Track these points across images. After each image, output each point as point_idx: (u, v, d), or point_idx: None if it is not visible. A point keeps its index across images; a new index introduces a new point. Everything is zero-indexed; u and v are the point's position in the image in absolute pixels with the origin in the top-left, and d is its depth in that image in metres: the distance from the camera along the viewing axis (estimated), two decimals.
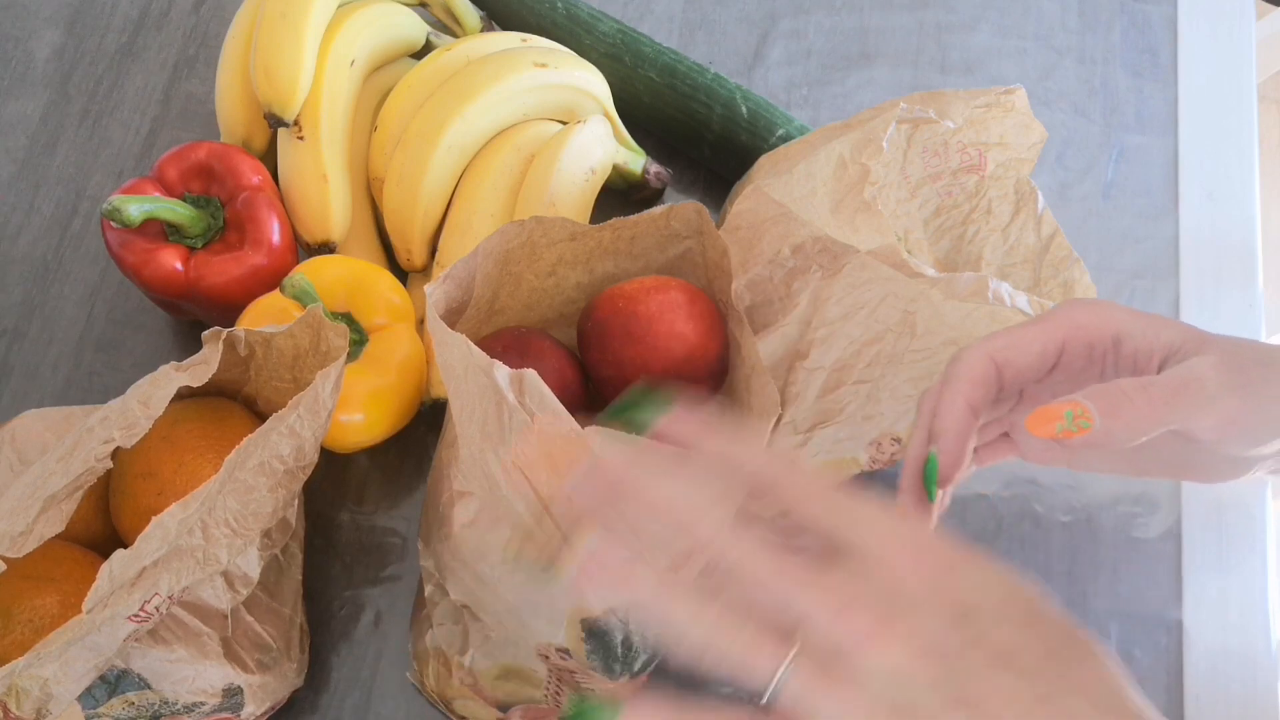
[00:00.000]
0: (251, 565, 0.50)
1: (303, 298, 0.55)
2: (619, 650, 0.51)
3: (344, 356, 0.49)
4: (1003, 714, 0.31)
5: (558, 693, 0.54)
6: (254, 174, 0.61)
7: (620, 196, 0.70)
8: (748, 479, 0.33)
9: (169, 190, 0.61)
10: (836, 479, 0.34)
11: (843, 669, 0.32)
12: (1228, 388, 0.42)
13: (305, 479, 0.50)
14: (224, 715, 0.52)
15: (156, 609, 0.45)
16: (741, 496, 0.33)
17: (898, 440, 0.57)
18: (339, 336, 0.50)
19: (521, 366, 0.44)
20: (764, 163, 0.60)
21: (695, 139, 0.69)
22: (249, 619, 0.52)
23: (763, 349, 0.56)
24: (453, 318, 0.54)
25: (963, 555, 0.34)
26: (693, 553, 0.33)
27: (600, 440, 0.32)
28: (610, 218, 0.55)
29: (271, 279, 0.60)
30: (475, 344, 0.45)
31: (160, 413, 0.46)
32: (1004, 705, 0.31)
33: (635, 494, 0.33)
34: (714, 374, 0.55)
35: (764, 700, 0.34)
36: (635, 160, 0.68)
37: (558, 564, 0.33)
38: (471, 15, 0.71)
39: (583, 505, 0.34)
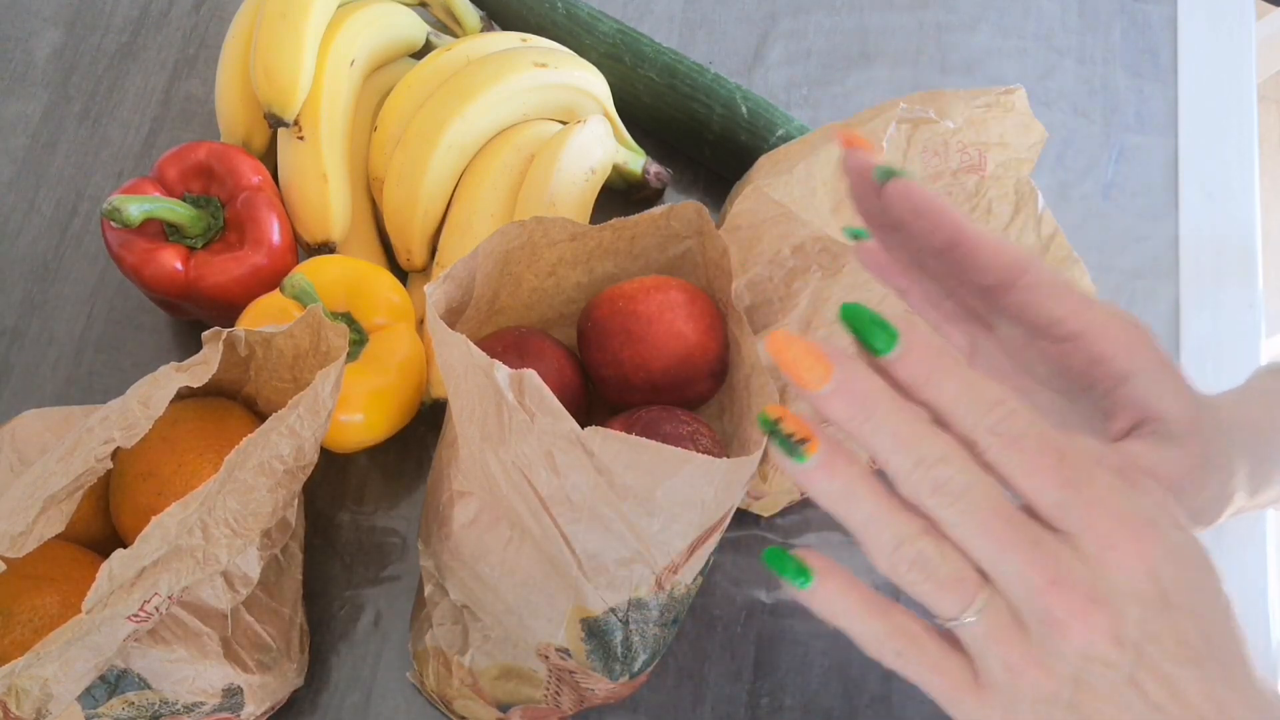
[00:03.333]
0: (251, 565, 0.50)
1: (303, 298, 0.55)
2: (619, 650, 0.51)
3: (344, 356, 0.49)
4: (1168, 704, 0.33)
5: (557, 693, 0.54)
6: (254, 174, 0.61)
7: (620, 196, 0.70)
8: (991, 425, 0.33)
9: (169, 190, 0.61)
10: (1079, 444, 0.34)
11: (1036, 637, 0.33)
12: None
13: (305, 479, 0.50)
14: (224, 715, 0.52)
15: (156, 609, 0.45)
16: (984, 437, 0.33)
17: None
18: (339, 336, 0.50)
19: (521, 366, 0.44)
20: (764, 163, 0.60)
21: (695, 139, 0.69)
22: (249, 619, 0.52)
23: (763, 349, 0.56)
24: (453, 318, 0.54)
25: (1174, 542, 0.34)
26: (921, 477, 0.33)
27: (846, 363, 0.33)
28: (610, 218, 0.55)
29: (271, 279, 0.60)
30: (475, 344, 0.45)
31: (160, 413, 0.46)
32: (1171, 696, 0.33)
33: (882, 417, 0.33)
34: (714, 374, 0.55)
35: (945, 628, 0.35)
36: (635, 160, 0.68)
37: (807, 449, 0.33)
38: (471, 15, 0.71)
39: (829, 413, 0.34)
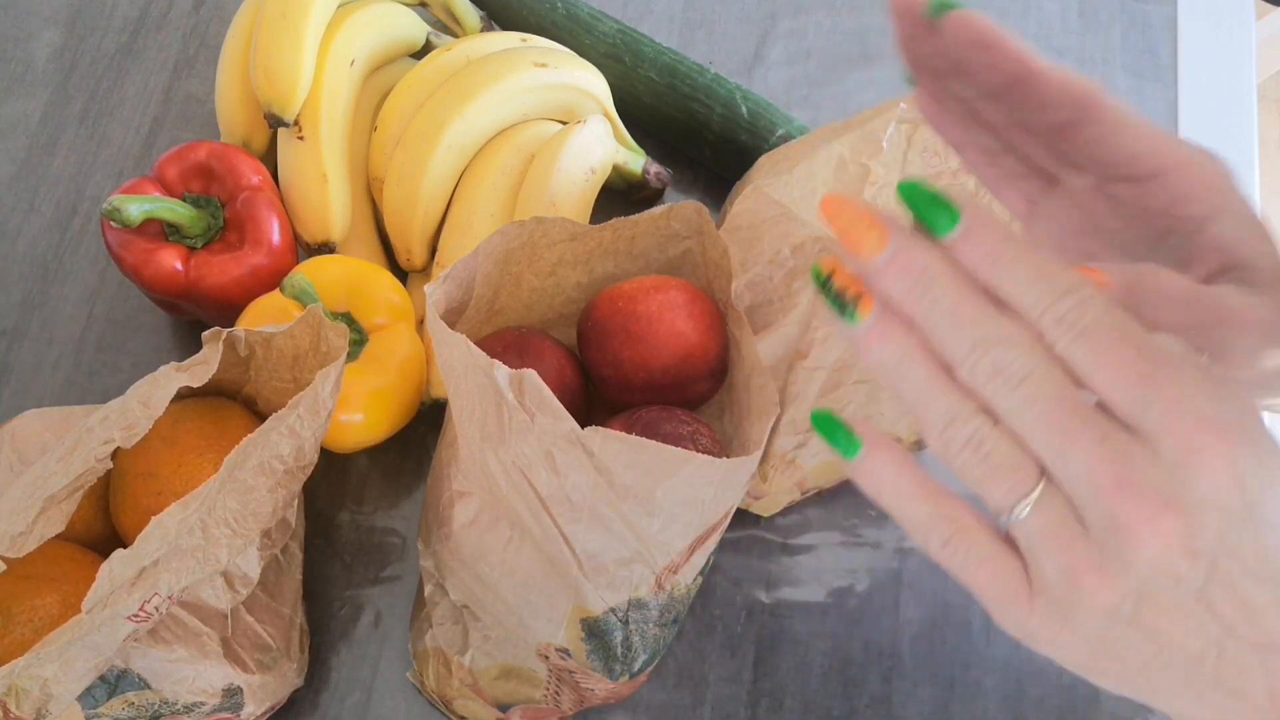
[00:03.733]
0: (251, 565, 0.50)
1: (303, 298, 0.55)
2: (619, 650, 0.51)
3: (344, 356, 0.49)
4: (1240, 625, 0.31)
5: (557, 693, 0.54)
6: (254, 174, 0.61)
7: (620, 196, 0.70)
8: (1062, 313, 0.29)
9: (169, 190, 0.61)
10: (1162, 340, 0.30)
11: (1098, 541, 0.30)
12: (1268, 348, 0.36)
13: (305, 479, 0.50)
14: (224, 715, 0.52)
15: (156, 609, 0.45)
16: (1053, 327, 0.29)
17: (898, 440, 0.57)
18: (339, 336, 0.50)
19: (521, 366, 0.44)
20: (764, 163, 0.60)
21: (695, 139, 0.69)
22: (249, 619, 0.52)
23: (763, 349, 0.56)
24: (453, 318, 0.54)
25: (1264, 451, 0.30)
26: (980, 358, 0.30)
27: (904, 233, 0.30)
28: (610, 218, 0.55)
29: (271, 279, 0.60)
30: (475, 344, 0.45)
31: (160, 413, 0.46)
32: (1244, 615, 0.31)
33: (941, 291, 0.30)
34: (714, 374, 0.55)
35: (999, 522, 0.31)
36: (635, 160, 0.68)
37: (860, 307, 0.31)
38: (471, 15, 0.71)
39: (883, 286, 0.31)
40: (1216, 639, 0.31)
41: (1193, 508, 0.29)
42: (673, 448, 0.44)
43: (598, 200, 0.64)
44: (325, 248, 0.64)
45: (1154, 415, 0.29)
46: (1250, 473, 0.30)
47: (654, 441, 0.44)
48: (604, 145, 0.64)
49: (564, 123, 0.65)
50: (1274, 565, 0.31)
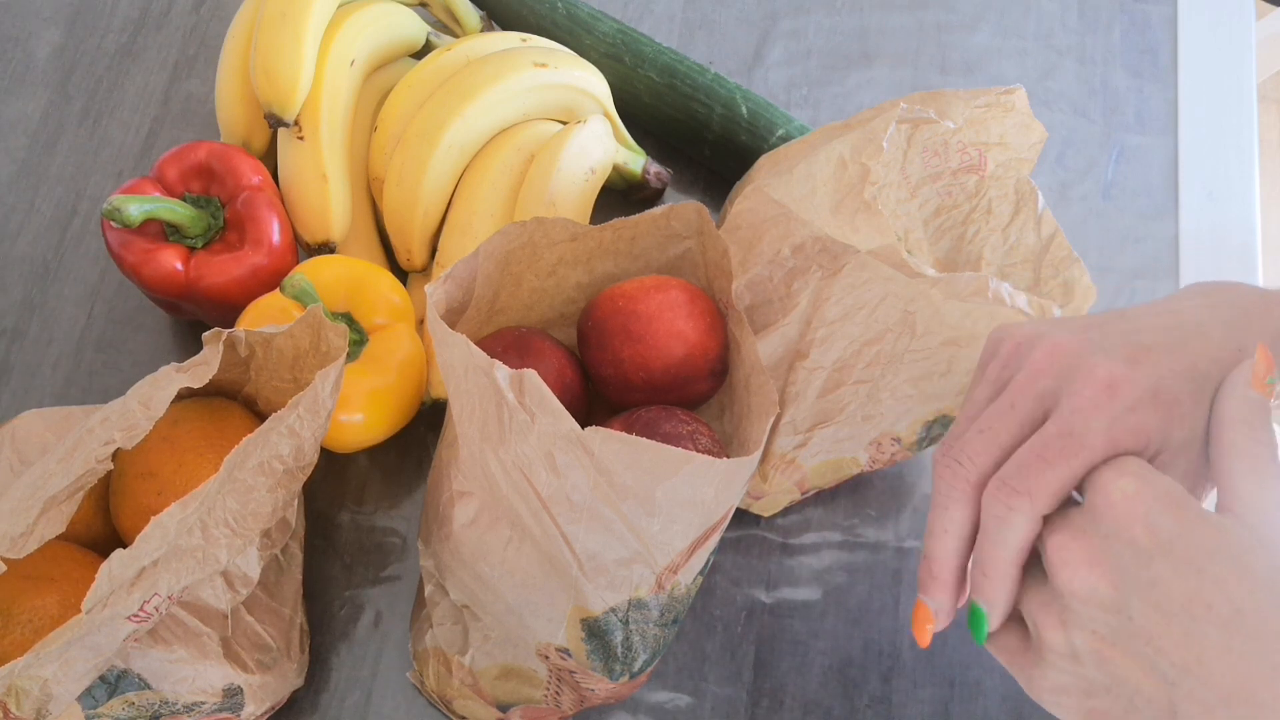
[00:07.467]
0: (251, 565, 0.50)
1: (303, 298, 0.55)
2: (619, 650, 0.51)
3: (344, 356, 0.49)
4: (1193, 667, 0.34)
5: (558, 693, 0.54)
6: (254, 174, 0.61)
7: (620, 196, 0.70)
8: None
9: (169, 190, 0.61)
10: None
11: (1051, 588, 0.38)
12: None
13: (305, 479, 0.50)
14: (224, 715, 0.52)
15: (156, 609, 0.45)
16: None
17: (897, 440, 0.57)
18: (339, 336, 0.50)
19: (521, 366, 0.44)
20: (764, 163, 0.60)
21: (695, 139, 0.69)
22: (249, 619, 0.52)
23: (763, 349, 0.56)
24: (453, 318, 0.54)
25: (1171, 496, 0.35)
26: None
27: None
28: (610, 218, 0.55)
29: (271, 279, 0.60)
30: (475, 344, 0.45)
31: (161, 414, 0.46)
32: (1196, 659, 0.34)
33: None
34: (714, 373, 0.55)
35: None
36: (635, 160, 0.68)
37: None
38: (471, 15, 0.71)
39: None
40: (1172, 679, 0.34)
41: (1097, 538, 0.35)
42: (672, 448, 0.44)
43: (598, 200, 0.64)
44: (325, 248, 0.64)
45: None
46: (1155, 513, 0.34)
47: (654, 441, 0.44)
48: (604, 145, 0.64)
49: (564, 123, 0.65)
50: (1209, 607, 0.33)
